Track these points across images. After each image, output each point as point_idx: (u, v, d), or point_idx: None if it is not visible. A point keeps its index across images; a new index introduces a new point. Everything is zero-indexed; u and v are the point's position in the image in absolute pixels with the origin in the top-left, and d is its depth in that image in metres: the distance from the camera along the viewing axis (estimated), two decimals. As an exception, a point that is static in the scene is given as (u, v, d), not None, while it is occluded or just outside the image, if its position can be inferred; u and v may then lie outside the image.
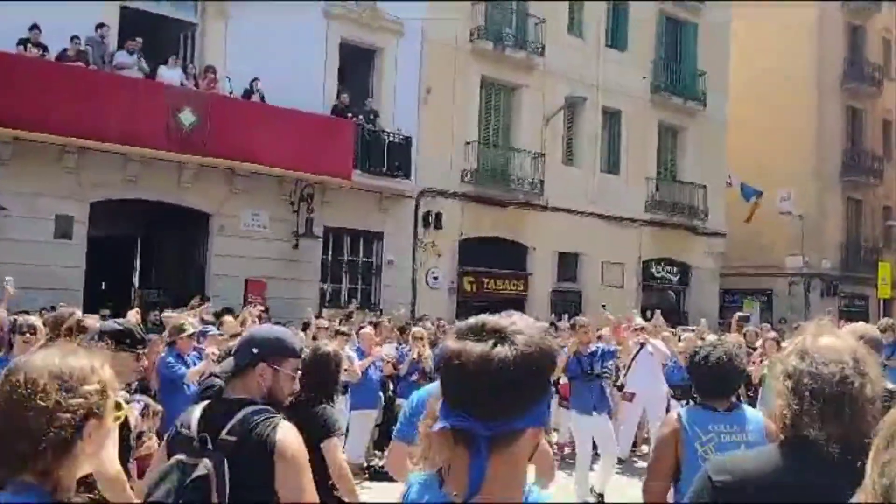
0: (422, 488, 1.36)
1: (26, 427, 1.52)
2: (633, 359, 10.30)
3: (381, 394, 9.88)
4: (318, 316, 12.54)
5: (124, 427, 3.20)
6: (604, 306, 11.65)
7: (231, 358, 2.82)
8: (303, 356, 3.12)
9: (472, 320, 1.32)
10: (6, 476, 1.53)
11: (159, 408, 4.54)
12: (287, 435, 2.52)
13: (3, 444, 1.54)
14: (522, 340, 1.27)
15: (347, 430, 8.63)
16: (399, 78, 17.52)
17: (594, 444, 8.56)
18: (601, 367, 8.38)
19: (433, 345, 10.28)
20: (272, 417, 2.55)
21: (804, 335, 1.90)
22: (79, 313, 4.84)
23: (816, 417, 1.72)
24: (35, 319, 6.78)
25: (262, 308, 12.31)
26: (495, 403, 1.25)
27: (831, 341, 1.84)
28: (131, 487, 3.28)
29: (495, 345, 1.26)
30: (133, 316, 7.98)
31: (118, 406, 1.74)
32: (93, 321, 5.63)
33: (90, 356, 1.69)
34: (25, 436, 1.52)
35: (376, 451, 9.94)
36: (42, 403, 1.54)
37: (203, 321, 9.23)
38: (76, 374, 1.60)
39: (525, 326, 1.30)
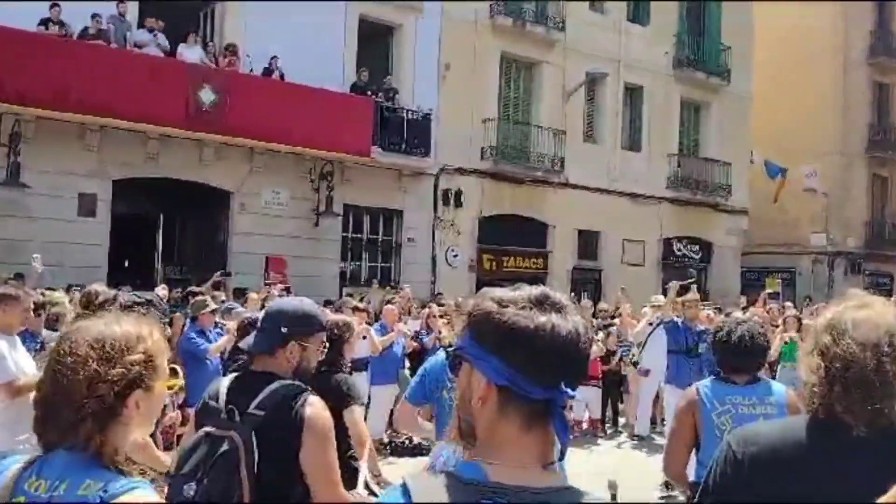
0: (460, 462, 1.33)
1: (69, 395, 1.56)
2: (647, 336, 10.31)
3: (403, 370, 9.92)
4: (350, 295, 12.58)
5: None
6: (623, 289, 11.58)
7: (255, 334, 2.83)
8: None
9: (527, 291, 1.31)
10: (56, 440, 1.58)
11: (181, 382, 4.60)
12: (317, 409, 2.54)
13: (50, 410, 1.59)
14: (575, 312, 1.32)
15: (368, 405, 8.69)
16: (418, 55, 17.41)
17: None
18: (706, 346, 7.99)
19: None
20: (301, 392, 2.57)
21: (839, 307, 1.81)
22: (104, 288, 4.90)
23: (848, 402, 1.68)
24: (60, 296, 6.89)
25: (284, 286, 12.40)
26: (582, 373, 1.32)
27: (867, 317, 1.76)
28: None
29: (565, 316, 1.29)
30: (161, 291, 8.11)
31: (174, 373, 1.76)
32: (122, 298, 5.71)
33: (138, 323, 1.69)
34: (69, 403, 1.56)
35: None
36: (82, 372, 1.56)
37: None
38: (119, 343, 1.61)
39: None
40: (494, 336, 1.27)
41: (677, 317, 8.80)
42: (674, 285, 9.47)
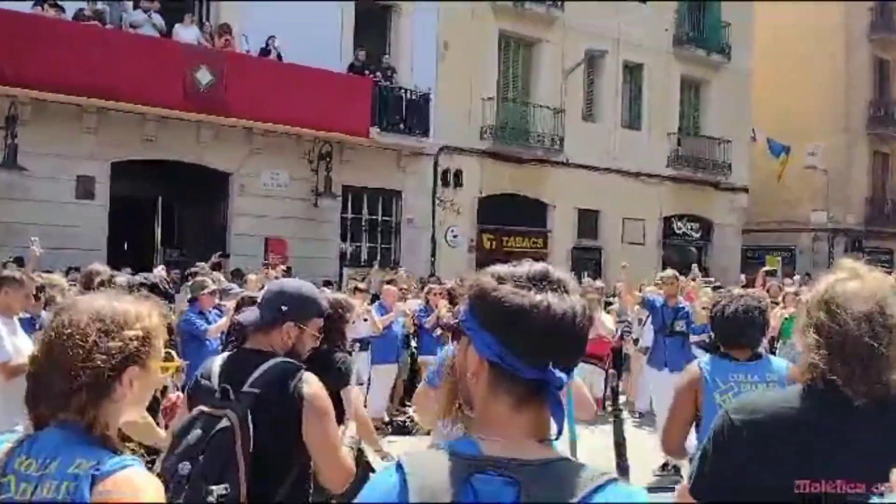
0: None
1: (64, 365, 1.55)
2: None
3: (403, 350, 9.95)
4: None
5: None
6: (624, 266, 11.53)
7: (254, 309, 2.82)
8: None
9: (526, 268, 1.30)
10: (48, 414, 1.57)
11: (183, 362, 4.60)
12: (315, 387, 2.54)
13: (44, 381, 1.58)
14: (576, 291, 1.29)
15: (369, 385, 8.72)
16: (416, 34, 17.29)
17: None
18: (685, 325, 7.95)
19: (452, 301, 10.34)
20: (297, 370, 2.56)
21: (831, 279, 1.81)
22: (105, 268, 4.90)
23: (847, 375, 1.68)
24: (58, 278, 6.89)
25: (285, 267, 12.40)
26: (576, 355, 1.28)
27: (859, 289, 1.76)
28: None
29: (562, 296, 1.26)
30: (160, 272, 8.13)
31: (170, 357, 1.75)
32: (122, 279, 5.72)
33: (138, 303, 1.69)
34: (63, 374, 1.55)
35: (400, 407, 10.04)
36: (80, 343, 1.56)
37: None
38: (119, 317, 1.61)
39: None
40: (488, 312, 1.26)
41: (658, 295, 8.70)
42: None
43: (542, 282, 1.27)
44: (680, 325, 7.99)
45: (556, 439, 1.27)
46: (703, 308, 10.01)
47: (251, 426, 2.43)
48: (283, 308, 2.69)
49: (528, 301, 1.24)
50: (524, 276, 1.28)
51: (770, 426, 1.74)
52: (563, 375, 1.23)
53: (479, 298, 1.28)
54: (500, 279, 1.28)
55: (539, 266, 1.30)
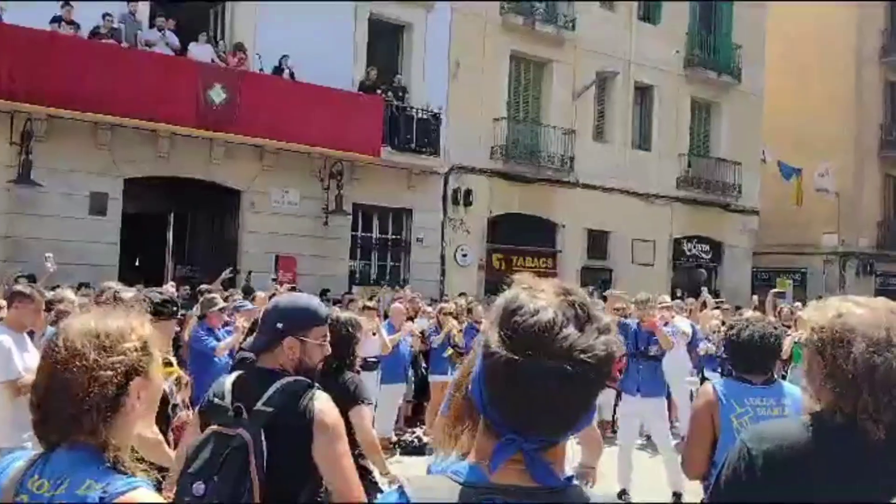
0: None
1: (70, 389, 1.55)
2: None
3: (411, 369, 9.92)
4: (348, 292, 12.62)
5: (163, 398, 3.26)
6: (622, 295, 11.26)
7: (256, 334, 2.83)
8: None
9: (544, 313, 1.15)
10: (59, 439, 1.57)
11: (188, 378, 4.60)
12: (325, 405, 2.54)
13: (50, 407, 1.58)
14: (599, 355, 1.16)
15: (376, 405, 8.69)
16: (428, 53, 17.40)
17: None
18: (659, 350, 7.80)
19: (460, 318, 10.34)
20: (309, 388, 2.56)
21: (831, 314, 1.77)
22: (116, 286, 4.91)
23: (876, 407, 1.65)
24: (69, 293, 6.91)
25: (292, 285, 12.41)
26: (566, 424, 1.19)
27: (864, 319, 1.73)
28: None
29: (566, 363, 1.13)
30: (170, 288, 8.15)
31: (168, 363, 1.75)
32: (131, 294, 5.71)
33: (128, 316, 1.69)
34: (70, 397, 1.54)
35: (406, 427, 9.99)
36: (80, 364, 1.55)
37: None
38: (114, 333, 1.61)
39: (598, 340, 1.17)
40: (483, 355, 1.20)
41: (629, 318, 8.32)
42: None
43: (543, 337, 1.15)
44: (654, 350, 7.85)
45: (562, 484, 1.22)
46: (714, 331, 9.98)
47: (264, 444, 2.42)
48: (279, 325, 2.68)
49: (506, 357, 1.15)
50: (530, 325, 1.16)
51: (787, 457, 1.72)
52: (537, 441, 1.17)
53: (485, 334, 1.23)
54: (511, 315, 1.18)
55: (548, 317, 1.16)
